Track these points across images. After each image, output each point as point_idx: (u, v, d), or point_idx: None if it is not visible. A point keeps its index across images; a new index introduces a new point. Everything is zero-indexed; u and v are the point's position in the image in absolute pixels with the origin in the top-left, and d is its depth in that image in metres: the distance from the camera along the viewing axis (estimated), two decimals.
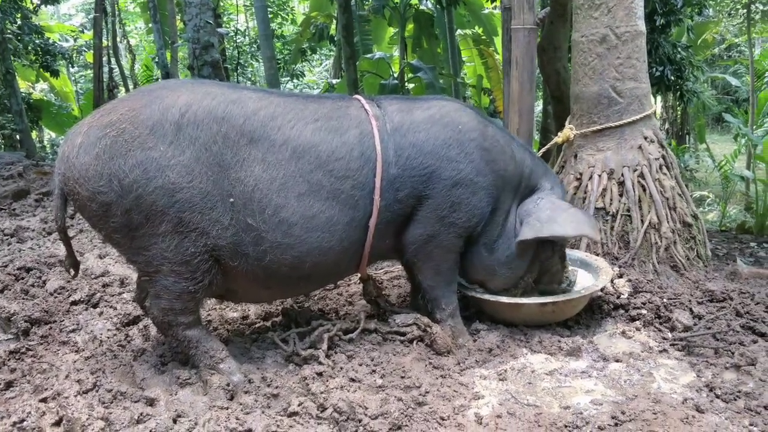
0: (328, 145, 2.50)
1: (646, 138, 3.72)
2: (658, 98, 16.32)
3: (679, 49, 6.99)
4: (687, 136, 16.76)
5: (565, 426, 2.17)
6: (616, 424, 2.16)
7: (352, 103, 2.71)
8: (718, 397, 2.39)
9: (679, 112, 16.37)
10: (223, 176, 2.33)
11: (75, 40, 14.53)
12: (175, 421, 2.17)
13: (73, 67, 15.57)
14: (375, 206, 2.57)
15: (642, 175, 3.67)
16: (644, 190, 3.67)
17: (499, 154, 2.85)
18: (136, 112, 2.29)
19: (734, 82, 15.73)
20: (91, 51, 12.64)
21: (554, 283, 3.12)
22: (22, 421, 2.18)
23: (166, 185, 2.25)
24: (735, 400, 2.37)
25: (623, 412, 2.22)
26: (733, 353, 2.75)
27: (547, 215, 2.85)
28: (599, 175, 3.73)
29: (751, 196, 8.03)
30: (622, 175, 3.69)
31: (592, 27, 3.74)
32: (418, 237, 2.74)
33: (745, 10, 11.88)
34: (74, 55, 13.74)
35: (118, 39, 14.64)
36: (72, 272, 2.62)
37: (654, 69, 6.63)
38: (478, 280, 3.05)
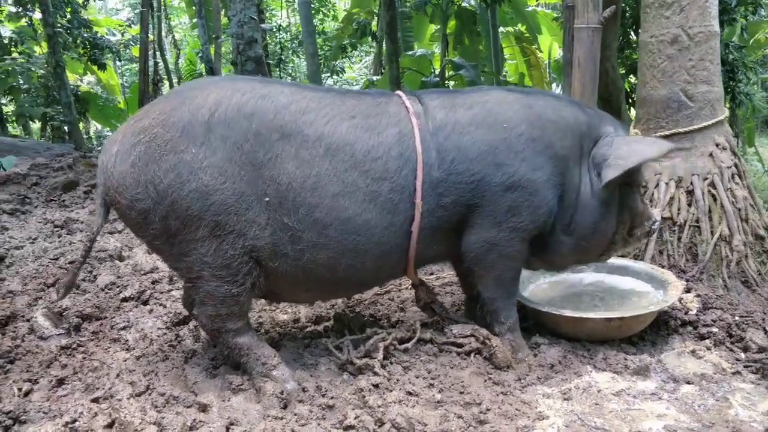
0: (364, 143, 2.38)
1: (717, 145, 3.51)
2: None
3: (732, 50, 6.71)
4: (736, 139, 16.21)
5: None
6: None
7: (393, 99, 2.57)
8: None
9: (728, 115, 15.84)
10: (256, 175, 2.25)
11: (122, 34, 14.78)
12: (228, 429, 2.12)
13: (119, 60, 15.88)
14: (417, 210, 2.43)
15: (713, 184, 3.46)
16: (715, 200, 3.46)
17: (552, 133, 2.62)
18: (166, 115, 2.24)
19: None
20: (138, 45, 12.82)
21: (645, 224, 2.87)
22: (74, 421, 2.16)
23: (199, 188, 2.19)
24: None
25: None
26: None
27: (626, 150, 2.63)
28: (666, 183, 3.53)
29: None
30: (692, 183, 3.48)
31: (663, 27, 3.53)
32: (476, 244, 2.59)
33: None
34: (121, 48, 13.98)
35: (163, 34, 14.85)
36: (60, 292, 2.52)
37: None
38: (569, 263, 2.94)
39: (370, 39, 13.26)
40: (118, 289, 3.36)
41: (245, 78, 2.57)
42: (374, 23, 13.23)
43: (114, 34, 14.74)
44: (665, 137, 3.50)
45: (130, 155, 2.21)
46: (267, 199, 2.27)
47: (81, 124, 13.63)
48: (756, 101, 13.17)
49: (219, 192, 2.21)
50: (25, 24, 11.76)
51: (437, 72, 12.36)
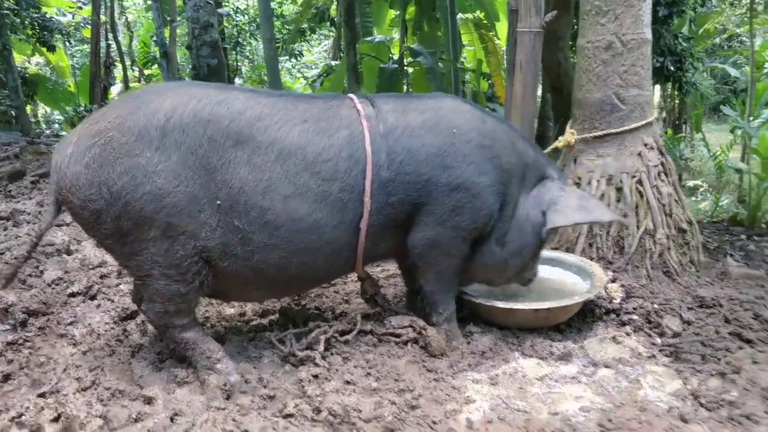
0: (315, 146, 2.48)
1: (646, 145, 3.74)
2: (657, 87, 16.34)
3: (681, 40, 6.98)
4: (684, 125, 16.78)
5: None
6: None
7: (344, 102, 2.69)
8: (702, 405, 2.44)
9: (677, 102, 16.37)
10: (209, 179, 2.34)
11: (73, 15, 14.33)
12: (172, 420, 2.21)
13: (70, 42, 15.38)
14: (366, 209, 2.56)
15: (640, 182, 3.70)
16: (642, 196, 3.71)
17: (501, 148, 2.81)
18: (122, 119, 2.30)
19: (733, 72, 15.66)
20: (89, 27, 12.47)
21: (530, 273, 3.16)
22: (21, 416, 2.22)
23: (153, 191, 2.26)
24: (718, 408, 2.41)
25: (610, 420, 2.27)
26: (719, 360, 2.79)
27: (577, 203, 2.87)
28: (598, 180, 3.76)
29: (744, 188, 8.06)
30: (621, 181, 3.71)
31: (599, 33, 3.73)
32: (420, 242, 2.75)
33: (748, 1, 11.81)
34: (72, 30, 13.57)
35: (116, 15, 14.46)
36: (2, 282, 2.56)
37: (654, 60, 6.61)
38: (487, 278, 3.08)
39: (328, 24, 13.23)
40: (65, 284, 3.39)
41: (202, 84, 2.63)
42: (333, 8, 13.18)
43: (64, 15, 14.27)
44: (598, 138, 3.72)
45: (85, 157, 2.27)
46: (219, 202, 2.36)
47: (28, 107, 13.24)
48: (704, 89, 13.68)
49: (172, 195, 2.29)
50: None
51: (396, 59, 12.42)
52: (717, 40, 16.39)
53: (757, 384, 2.56)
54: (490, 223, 2.82)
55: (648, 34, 3.75)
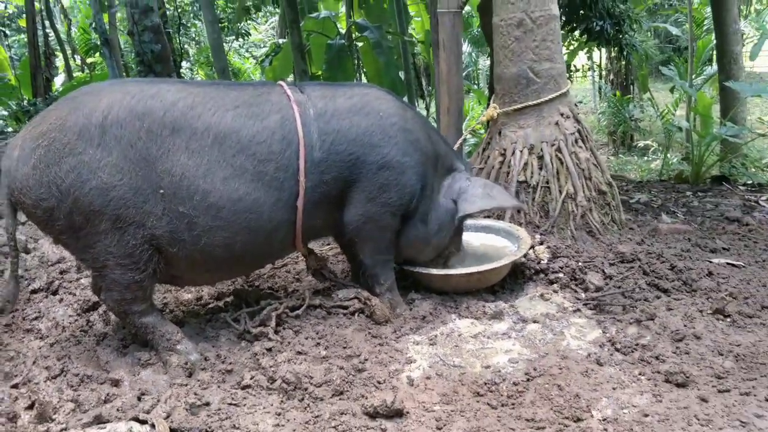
0: (249, 129, 2.67)
1: (562, 114, 4.03)
2: (603, 51, 16.69)
3: (618, 2, 7.12)
4: (631, 86, 17.21)
5: (485, 383, 2.46)
6: (528, 380, 2.47)
7: (275, 89, 2.88)
8: (618, 350, 2.71)
9: (623, 63, 16.78)
10: (150, 170, 2.49)
11: (5, 5, 13.82)
12: (139, 399, 2.40)
13: (5, 34, 14.83)
14: (301, 187, 2.76)
15: (559, 149, 4.00)
16: (561, 163, 4.01)
17: (420, 133, 3.10)
18: (62, 120, 2.44)
19: (674, 30, 16.07)
20: (24, 16, 12.06)
21: (458, 250, 3.50)
22: None
23: (99, 186, 2.42)
24: (632, 352, 2.69)
25: (535, 369, 2.53)
26: (636, 309, 3.07)
27: (482, 192, 3.21)
28: (521, 151, 4.04)
29: (689, 146, 8.42)
30: (541, 150, 4.01)
31: (510, 12, 3.98)
32: (354, 217, 2.98)
33: None
34: (5, 21, 13.09)
35: (51, 2, 14.00)
36: (8, 304, 2.69)
37: (594, 23, 6.79)
38: (411, 254, 3.32)
39: (271, 2, 13.09)
40: (26, 282, 3.51)
41: (134, 80, 2.77)
42: None
43: None
44: (518, 110, 3.99)
45: (31, 158, 2.40)
46: (162, 191, 2.52)
47: None
48: (647, 49, 14.04)
49: (117, 188, 2.44)
50: None
51: (343, 34, 12.43)
52: (657, 0, 16.80)
53: (668, 328, 2.86)
54: (413, 201, 3.09)
55: (555, 10, 4.01)
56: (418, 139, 3.06)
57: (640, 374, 2.53)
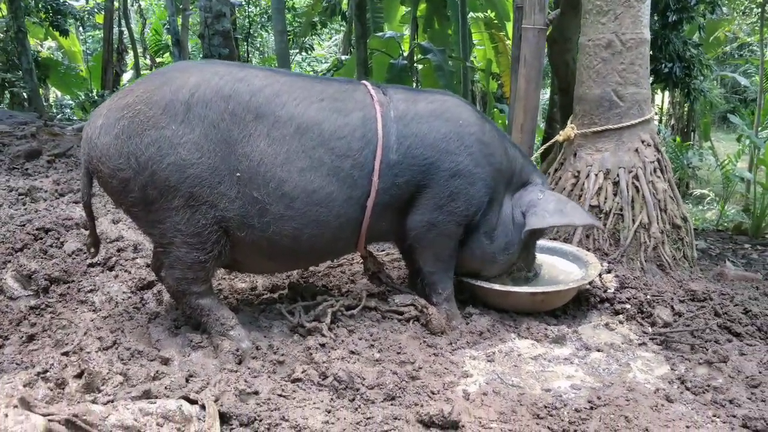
0: (331, 124, 2.64)
1: (643, 141, 3.88)
2: (666, 94, 16.37)
3: (690, 47, 7.06)
4: (692, 133, 16.81)
5: (545, 406, 2.34)
6: (591, 408, 2.33)
7: (359, 87, 2.85)
8: (688, 389, 2.56)
9: (685, 109, 16.41)
10: (230, 152, 2.48)
11: (86, 0, 14.49)
12: (187, 380, 2.34)
13: (83, 27, 15.54)
14: (373, 187, 2.71)
15: (636, 177, 3.84)
16: (638, 191, 3.85)
17: (495, 148, 3.03)
18: (150, 93, 2.44)
19: (743, 81, 15.71)
20: (102, 12, 12.61)
21: (528, 269, 3.37)
22: (46, 371, 2.33)
23: (177, 162, 2.41)
24: (704, 393, 2.53)
25: (599, 397, 2.39)
26: (707, 350, 2.91)
27: (554, 207, 3.08)
28: (596, 175, 3.90)
29: (750, 197, 8.13)
30: (618, 175, 3.86)
31: (599, 32, 3.88)
32: (419, 224, 2.91)
33: (759, 10, 11.85)
34: (85, 15, 13.72)
35: (129, 2, 14.60)
36: (92, 251, 2.79)
37: (663, 65, 6.71)
38: (476, 268, 3.21)
39: (339, 18, 13.34)
40: (84, 255, 3.53)
41: (223, 62, 2.78)
42: (344, 2, 13.29)
43: (78, 0, 14.44)
44: (597, 133, 3.86)
45: (114, 128, 2.41)
46: (239, 174, 2.50)
47: (40, 91, 13.39)
48: (713, 97, 13.72)
49: (195, 166, 2.43)
50: None
51: (405, 55, 12.54)
52: (727, 49, 16.44)
53: (743, 372, 2.69)
54: (479, 213, 3.01)
55: (646, 34, 3.89)
56: (492, 153, 3.00)
57: (714, 416, 2.37)
